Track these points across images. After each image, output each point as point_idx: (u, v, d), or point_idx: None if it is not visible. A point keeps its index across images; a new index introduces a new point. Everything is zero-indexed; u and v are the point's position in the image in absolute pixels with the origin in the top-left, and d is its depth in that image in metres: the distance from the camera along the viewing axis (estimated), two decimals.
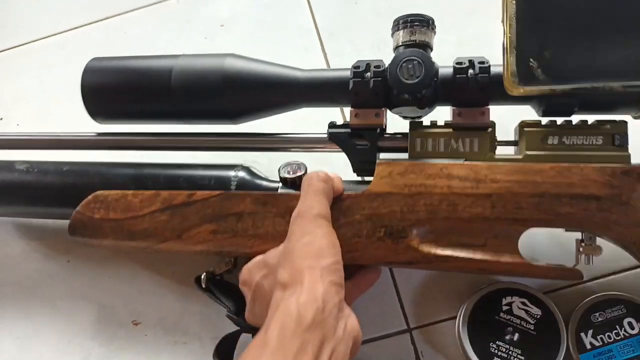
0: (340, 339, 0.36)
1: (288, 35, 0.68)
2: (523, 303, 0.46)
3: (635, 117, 0.44)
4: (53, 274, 0.58)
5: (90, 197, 0.49)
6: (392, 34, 0.47)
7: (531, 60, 0.40)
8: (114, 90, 0.51)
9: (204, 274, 0.50)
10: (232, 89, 0.49)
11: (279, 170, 0.48)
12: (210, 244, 0.47)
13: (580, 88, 0.39)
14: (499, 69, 0.42)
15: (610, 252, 0.43)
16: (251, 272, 0.43)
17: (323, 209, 0.42)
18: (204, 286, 0.49)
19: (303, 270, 0.37)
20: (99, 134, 0.54)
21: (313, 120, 0.52)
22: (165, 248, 0.48)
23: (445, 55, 0.45)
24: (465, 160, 0.44)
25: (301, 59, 0.64)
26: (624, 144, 0.43)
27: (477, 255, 0.43)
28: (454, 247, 0.43)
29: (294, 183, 0.47)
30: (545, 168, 0.42)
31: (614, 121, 0.43)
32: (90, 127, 0.53)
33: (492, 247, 0.43)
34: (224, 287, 0.50)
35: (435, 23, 0.46)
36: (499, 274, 0.44)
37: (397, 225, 0.43)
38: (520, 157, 0.44)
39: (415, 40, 0.46)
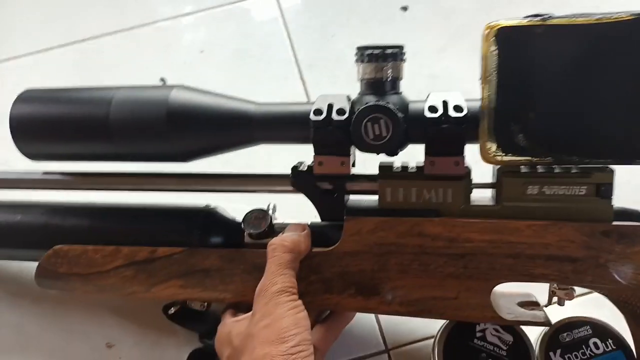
0: None
1: (267, 64, 0.69)
2: (496, 330, 0.47)
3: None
4: (22, 298, 0.57)
5: (50, 252, 0.47)
6: (356, 63, 0.41)
7: (512, 124, 0.35)
8: (44, 123, 0.46)
9: (177, 306, 0.49)
10: (177, 125, 0.44)
11: (242, 223, 0.45)
12: (181, 296, 0.46)
13: (566, 161, 0.35)
14: (476, 105, 0.37)
15: None
16: (220, 344, 0.43)
17: (286, 282, 0.40)
18: (171, 313, 0.50)
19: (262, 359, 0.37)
20: (45, 173, 0.50)
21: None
22: (138, 298, 0.48)
23: (417, 89, 0.40)
24: (439, 212, 0.41)
25: (280, 87, 0.66)
26: (608, 195, 0.39)
27: (449, 310, 0.42)
28: (427, 301, 0.43)
29: (259, 237, 0.45)
30: (521, 227, 0.40)
31: (600, 169, 0.39)
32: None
33: (463, 300, 0.42)
34: (193, 316, 0.51)
35: (409, 60, 0.40)
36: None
37: (368, 283, 0.42)
38: (497, 208, 0.41)
39: (382, 78, 0.40)
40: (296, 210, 0.45)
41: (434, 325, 0.49)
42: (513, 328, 0.47)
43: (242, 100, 0.44)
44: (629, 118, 0.34)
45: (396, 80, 0.40)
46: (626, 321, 0.43)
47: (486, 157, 0.36)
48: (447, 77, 0.57)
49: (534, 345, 0.47)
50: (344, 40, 0.70)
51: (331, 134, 0.40)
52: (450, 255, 0.41)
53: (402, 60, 0.40)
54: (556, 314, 0.48)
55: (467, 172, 0.41)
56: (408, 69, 0.41)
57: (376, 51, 0.39)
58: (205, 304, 0.49)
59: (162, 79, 0.49)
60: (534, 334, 0.48)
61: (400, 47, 0.40)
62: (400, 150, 0.42)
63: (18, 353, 0.56)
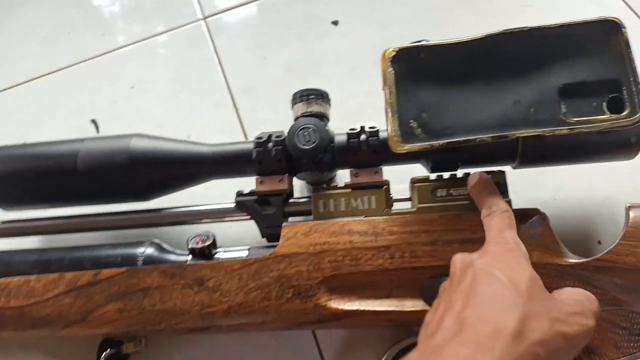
0: None
1: (200, 92, 0.69)
2: None
3: (514, 168, 0.49)
4: None
5: None
6: (292, 107, 0.51)
7: (411, 121, 0.44)
8: (19, 178, 0.51)
9: (108, 350, 0.47)
10: (140, 169, 0.50)
11: (187, 242, 0.48)
12: (117, 324, 0.46)
13: (455, 141, 0.43)
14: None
15: None
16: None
17: None
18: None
19: None
20: (2, 222, 0.53)
21: (223, 188, 0.53)
22: (69, 333, 0.46)
23: (355, 106, 0.48)
24: (365, 216, 0.47)
25: (214, 116, 0.66)
26: (504, 191, 0.47)
27: (383, 306, 0.44)
28: (361, 301, 0.44)
29: (202, 253, 0.47)
30: (435, 218, 0.45)
31: (494, 172, 0.47)
32: None
33: (395, 297, 0.44)
34: None
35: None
36: (406, 324, 0.45)
37: (305, 284, 0.44)
38: (413, 210, 0.47)
39: (312, 112, 0.50)
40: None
41: (380, 356, 0.49)
42: None
43: (194, 142, 0.52)
44: (487, 109, 0.44)
45: (323, 116, 0.50)
46: None
47: (394, 146, 0.44)
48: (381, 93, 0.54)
49: None
50: (277, 61, 0.69)
51: (270, 152, 0.48)
52: (377, 248, 0.45)
53: (328, 102, 0.51)
54: None
55: (387, 182, 0.48)
56: (345, 87, 0.50)
57: (307, 92, 0.50)
58: (142, 341, 0.48)
59: (93, 121, 0.54)
60: None
61: (326, 92, 0.51)
62: (329, 172, 0.49)
63: None
